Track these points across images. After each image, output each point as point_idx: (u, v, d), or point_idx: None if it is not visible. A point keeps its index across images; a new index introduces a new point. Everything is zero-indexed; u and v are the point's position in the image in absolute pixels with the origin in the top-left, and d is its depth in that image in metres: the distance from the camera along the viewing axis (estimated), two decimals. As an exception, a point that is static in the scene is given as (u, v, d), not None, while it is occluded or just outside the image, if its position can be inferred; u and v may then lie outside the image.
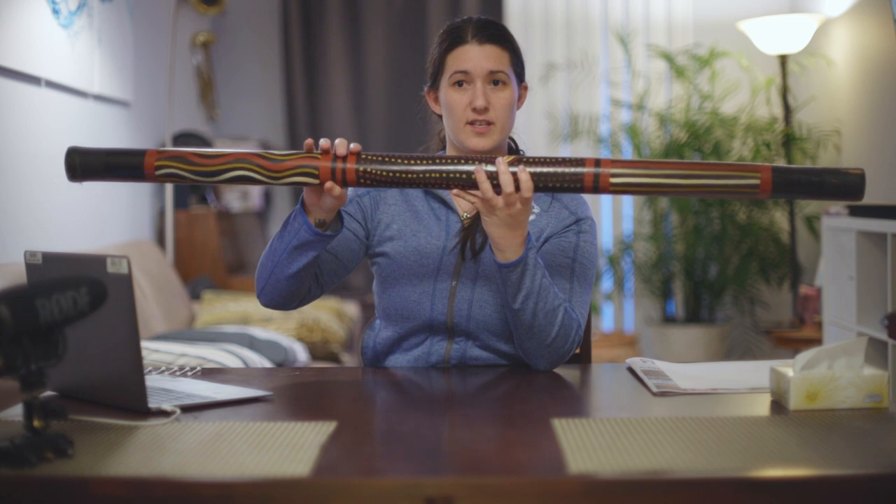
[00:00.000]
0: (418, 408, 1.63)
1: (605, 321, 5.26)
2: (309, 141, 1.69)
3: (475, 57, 1.83)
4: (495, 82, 1.84)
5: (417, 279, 1.87)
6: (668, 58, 4.91)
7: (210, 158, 1.67)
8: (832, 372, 1.44)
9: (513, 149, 1.98)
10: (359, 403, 1.65)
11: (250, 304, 4.04)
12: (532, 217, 1.87)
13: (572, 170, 1.64)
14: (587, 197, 5.06)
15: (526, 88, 1.93)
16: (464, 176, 1.66)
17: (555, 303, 1.76)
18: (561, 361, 1.81)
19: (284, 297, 1.82)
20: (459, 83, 1.84)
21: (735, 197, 1.65)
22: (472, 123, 1.83)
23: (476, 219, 1.86)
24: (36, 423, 1.22)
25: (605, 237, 5.28)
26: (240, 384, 1.69)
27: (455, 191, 1.69)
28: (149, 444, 1.29)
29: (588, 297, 1.87)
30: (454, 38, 1.86)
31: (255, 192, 5.15)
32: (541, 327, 1.75)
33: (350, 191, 1.92)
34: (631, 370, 1.78)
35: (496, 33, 1.86)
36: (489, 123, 1.83)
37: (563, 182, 1.65)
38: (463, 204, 1.91)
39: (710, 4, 5.25)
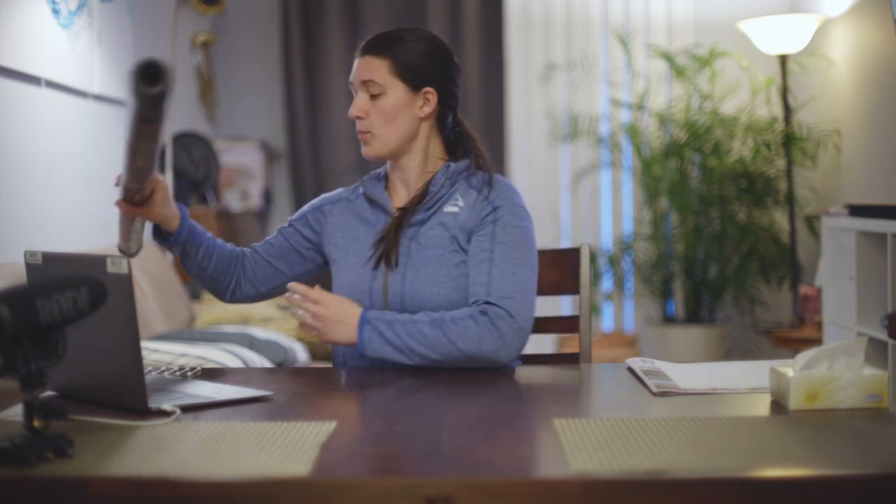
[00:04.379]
0: (418, 408, 1.63)
1: (605, 321, 5.26)
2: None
3: (354, 69, 1.93)
4: (372, 93, 1.90)
5: (358, 280, 1.94)
6: (668, 58, 4.91)
7: None
8: (832, 372, 1.44)
9: (478, 162, 1.97)
10: (359, 403, 1.65)
11: (250, 304, 4.03)
12: (455, 210, 1.91)
13: None
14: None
15: (433, 94, 1.92)
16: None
17: (431, 334, 1.78)
18: (508, 349, 1.79)
19: (208, 289, 2.04)
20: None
21: None
22: (359, 132, 1.93)
23: (387, 230, 1.93)
24: (36, 423, 1.22)
25: (606, 237, 5.28)
26: (240, 384, 1.69)
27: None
28: (149, 444, 1.29)
29: (517, 279, 1.84)
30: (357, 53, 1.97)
31: (255, 191, 5.15)
32: (448, 356, 1.79)
33: (305, 207, 2.07)
34: (631, 370, 1.78)
35: (376, 43, 1.91)
36: (368, 132, 1.91)
37: None
38: (396, 199, 1.98)
39: (710, 4, 5.25)
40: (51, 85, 3.46)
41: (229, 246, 2.03)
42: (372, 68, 1.90)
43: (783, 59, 4.68)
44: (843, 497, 1.14)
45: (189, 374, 1.81)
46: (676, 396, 1.56)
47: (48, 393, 1.60)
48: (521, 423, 1.44)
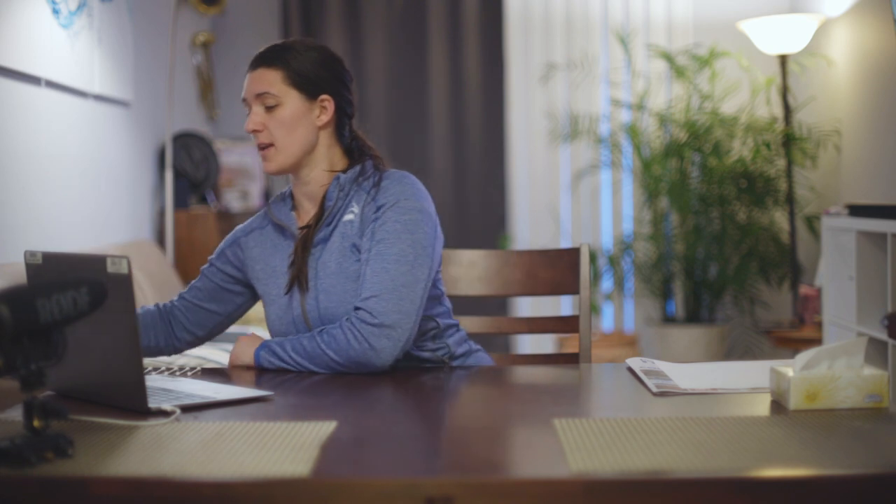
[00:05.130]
0: (418, 408, 1.64)
1: (605, 321, 5.26)
2: None
3: (247, 83, 1.92)
4: (268, 105, 1.88)
5: (282, 313, 1.93)
6: (668, 58, 4.91)
7: None
8: (832, 372, 1.44)
9: (376, 164, 1.94)
10: (359, 403, 1.65)
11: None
12: (352, 217, 1.89)
13: None
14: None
15: (329, 101, 1.91)
16: None
17: (309, 347, 1.81)
18: (376, 352, 1.76)
19: (148, 356, 2.04)
20: (249, 112, 1.92)
21: None
22: (259, 149, 1.91)
23: (294, 253, 1.91)
24: (36, 423, 1.22)
25: (606, 237, 5.28)
26: (240, 384, 1.69)
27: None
28: (149, 444, 1.29)
29: (388, 275, 1.81)
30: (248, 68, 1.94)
31: (255, 191, 5.15)
32: (327, 366, 1.79)
33: (223, 244, 2.03)
34: (631, 370, 1.78)
35: (268, 55, 1.90)
36: (268, 145, 1.89)
37: None
38: (304, 218, 1.96)
39: (710, 4, 5.25)
40: (51, 85, 3.46)
41: (141, 308, 2.00)
42: (266, 80, 1.88)
43: (783, 59, 4.68)
44: (843, 497, 1.14)
45: (189, 374, 1.81)
46: (676, 396, 1.56)
47: (48, 393, 1.60)
48: (521, 423, 1.44)
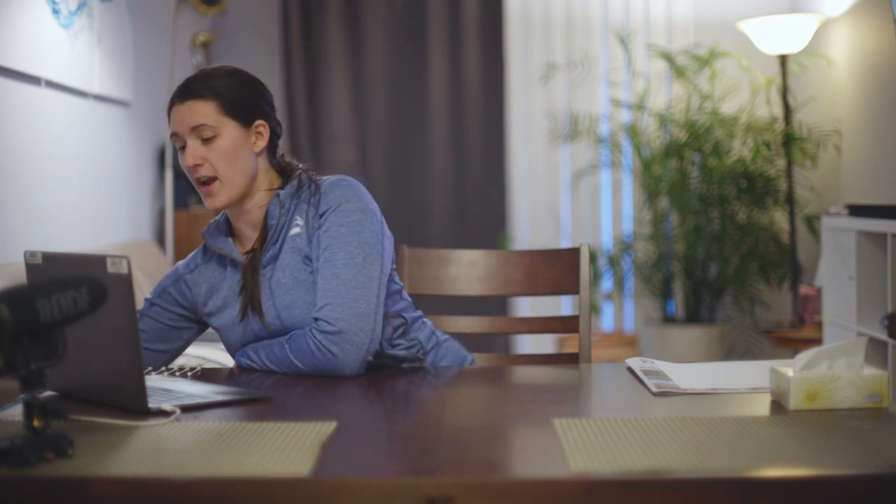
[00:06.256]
0: (418, 408, 1.64)
1: (605, 321, 5.26)
2: None
3: (178, 117, 1.84)
4: (205, 138, 1.83)
5: (238, 335, 1.91)
6: (668, 58, 4.91)
7: None
8: (832, 372, 1.44)
9: (305, 176, 1.91)
10: (359, 403, 1.65)
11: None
12: (298, 230, 1.87)
13: None
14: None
15: (264, 126, 1.89)
16: None
17: (279, 353, 1.81)
18: (339, 359, 1.75)
19: None
20: (181, 147, 1.85)
21: None
22: (200, 184, 1.85)
23: (244, 278, 1.89)
24: (36, 423, 1.22)
25: (606, 237, 5.28)
26: (240, 384, 1.69)
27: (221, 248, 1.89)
28: (149, 444, 1.29)
29: (338, 281, 1.79)
30: (170, 103, 1.88)
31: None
32: (297, 371, 1.79)
33: (165, 282, 1.99)
34: (631, 370, 1.78)
35: (195, 87, 1.85)
36: (213, 179, 1.84)
37: None
38: (247, 246, 1.93)
39: (710, 4, 5.25)
40: (51, 85, 3.46)
41: None
42: (200, 112, 1.82)
43: (783, 59, 4.68)
44: (843, 497, 1.14)
45: (189, 374, 1.81)
46: (676, 396, 1.56)
47: (48, 393, 1.60)
48: (521, 423, 1.44)
